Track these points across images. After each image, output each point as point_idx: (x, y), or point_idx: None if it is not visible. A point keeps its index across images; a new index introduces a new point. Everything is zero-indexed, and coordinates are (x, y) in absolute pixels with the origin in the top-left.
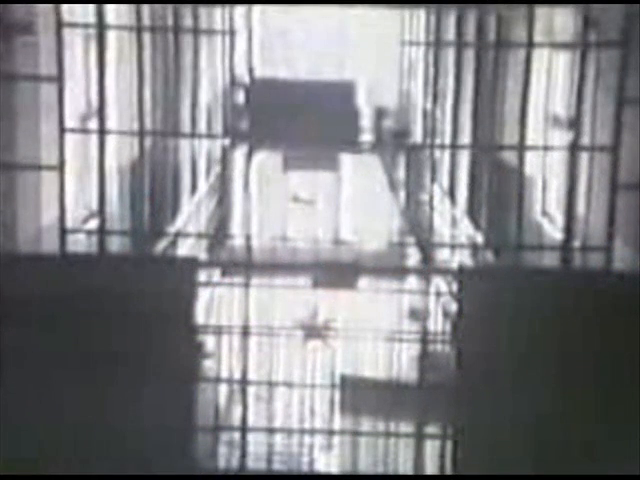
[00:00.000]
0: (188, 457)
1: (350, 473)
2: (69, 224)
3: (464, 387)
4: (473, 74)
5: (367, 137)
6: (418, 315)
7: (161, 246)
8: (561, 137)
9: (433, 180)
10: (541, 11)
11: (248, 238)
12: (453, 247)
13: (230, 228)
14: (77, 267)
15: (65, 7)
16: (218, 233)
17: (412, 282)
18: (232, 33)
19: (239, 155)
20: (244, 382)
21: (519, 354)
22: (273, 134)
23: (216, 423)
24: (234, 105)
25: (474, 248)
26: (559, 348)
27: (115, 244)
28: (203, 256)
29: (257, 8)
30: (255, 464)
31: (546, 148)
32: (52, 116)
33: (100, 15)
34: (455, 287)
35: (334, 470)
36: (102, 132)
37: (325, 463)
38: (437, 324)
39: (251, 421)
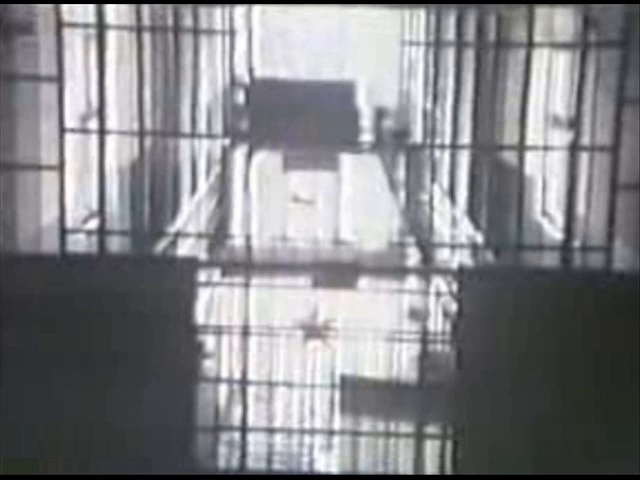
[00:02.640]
0: (188, 457)
1: (350, 473)
2: (69, 224)
3: (464, 387)
4: (473, 74)
5: (367, 137)
6: (418, 315)
7: (161, 246)
8: (561, 137)
9: (433, 180)
10: (541, 11)
11: (248, 238)
12: (453, 247)
13: (230, 228)
14: (77, 267)
15: (65, 7)
16: (218, 233)
17: (412, 282)
18: (232, 33)
19: (239, 155)
20: (244, 382)
21: (519, 354)
22: (273, 134)
23: (216, 423)
24: (234, 105)
25: (474, 248)
26: (559, 348)
27: (115, 244)
28: (203, 256)
29: (257, 8)
30: (255, 464)
31: (546, 148)
32: (52, 116)
33: (100, 15)
34: (455, 287)
35: (334, 470)
36: (102, 132)
37: (325, 463)
38: (437, 324)
39: (251, 421)
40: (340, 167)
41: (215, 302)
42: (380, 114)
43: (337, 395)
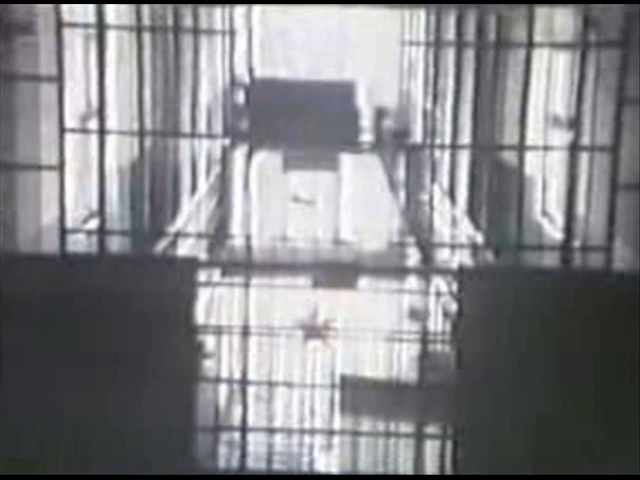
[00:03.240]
0: (188, 457)
1: (350, 473)
2: (69, 224)
3: (464, 387)
4: (473, 74)
5: (367, 137)
6: (418, 315)
7: (161, 246)
8: (561, 137)
9: (433, 180)
10: (541, 11)
11: (248, 238)
12: (453, 247)
13: (230, 228)
14: (77, 267)
15: (65, 7)
16: (218, 233)
17: (412, 282)
18: (232, 33)
19: (239, 155)
20: (244, 382)
21: (519, 354)
22: (273, 134)
23: (216, 423)
24: (234, 105)
25: (474, 248)
26: (559, 348)
27: (115, 244)
28: (203, 256)
29: (257, 8)
30: (255, 464)
31: (546, 148)
32: (52, 116)
33: (100, 15)
34: (455, 287)
35: (334, 470)
36: (102, 132)
37: (325, 463)
38: (437, 324)
39: (251, 421)
40: (340, 167)
41: (215, 302)
42: (380, 114)
43: (337, 395)
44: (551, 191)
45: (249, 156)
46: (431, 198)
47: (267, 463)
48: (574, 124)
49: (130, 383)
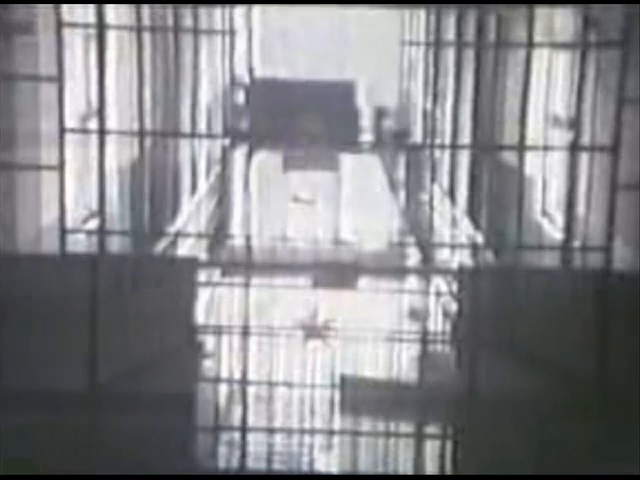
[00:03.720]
0: (188, 457)
1: (350, 473)
2: (69, 224)
3: (464, 387)
4: (473, 74)
5: (367, 137)
6: (418, 315)
7: (161, 246)
8: (561, 137)
9: (433, 180)
10: (541, 11)
11: (248, 238)
12: (453, 247)
13: (230, 228)
14: (77, 267)
15: (65, 7)
16: (218, 233)
17: (412, 282)
18: (232, 33)
19: (239, 155)
20: (244, 382)
21: (519, 354)
22: (273, 134)
23: (216, 423)
24: (234, 105)
25: (474, 248)
26: (559, 348)
27: (115, 244)
28: (203, 256)
29: (257, 8)
30: (255, 464)
31: (546, 148)
32: (52, 116)
33: (100, 15)
34: (455, 287)
35: (334, 470)
36: (102, 132)
37: (325, 463)
38: (437, 324)
39: (251, 421)
40: (340, 167)
41: (215, 302)
42: (380, 114)
43: (337, 395)
44: (551, 191)
45: (249, 156)
46: (431, 198)
47: (267, 463)
48: (574, 124)
49: (130, 383)
